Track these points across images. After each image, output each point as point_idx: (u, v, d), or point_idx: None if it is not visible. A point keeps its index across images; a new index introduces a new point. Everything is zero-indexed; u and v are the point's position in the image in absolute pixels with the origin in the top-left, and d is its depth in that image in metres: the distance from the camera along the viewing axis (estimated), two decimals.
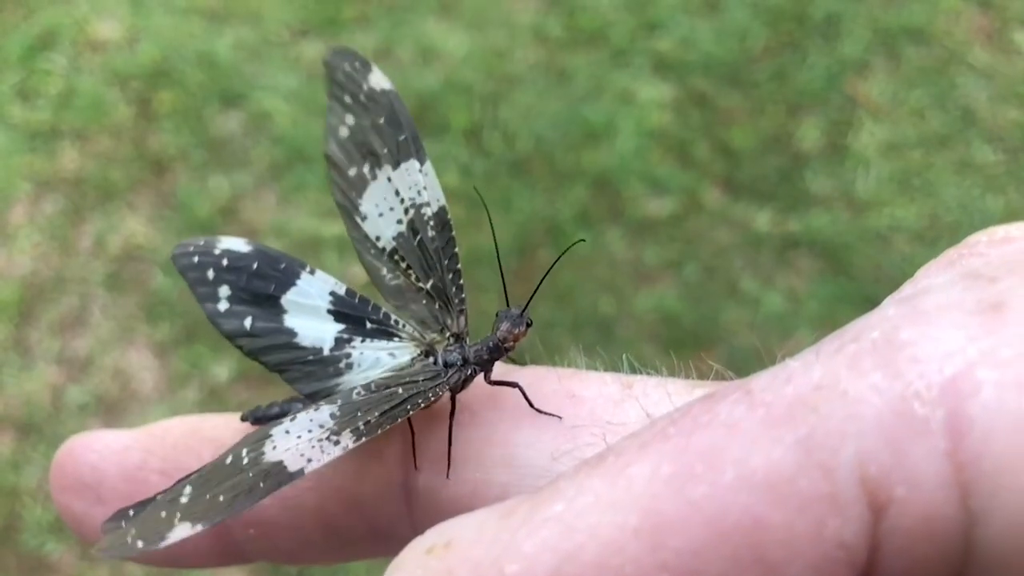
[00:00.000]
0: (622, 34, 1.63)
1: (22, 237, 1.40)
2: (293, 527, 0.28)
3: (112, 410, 1.26)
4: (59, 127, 1.51)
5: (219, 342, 1.32)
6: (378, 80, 0.33)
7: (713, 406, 0.15)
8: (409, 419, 0.28)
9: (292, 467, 0.27)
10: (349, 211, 0.33)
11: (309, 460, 0.27)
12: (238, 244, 0.32)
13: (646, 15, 1.65)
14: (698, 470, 0.15)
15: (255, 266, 0.32)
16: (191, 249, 0.32)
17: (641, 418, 0.23)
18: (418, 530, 0.17)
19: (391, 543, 0.18)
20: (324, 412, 0.28)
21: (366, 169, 0.32)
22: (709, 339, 1.31)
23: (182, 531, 0.26)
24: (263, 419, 0.30)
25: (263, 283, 0.32)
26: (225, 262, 0.32)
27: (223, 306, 0.32)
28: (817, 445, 0.14)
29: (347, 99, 0.33)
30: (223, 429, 0.30)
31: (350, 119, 0.33)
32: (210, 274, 0.32)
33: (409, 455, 0.28)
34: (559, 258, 0.35)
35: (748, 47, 1.62)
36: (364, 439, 0.27)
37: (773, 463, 0.14)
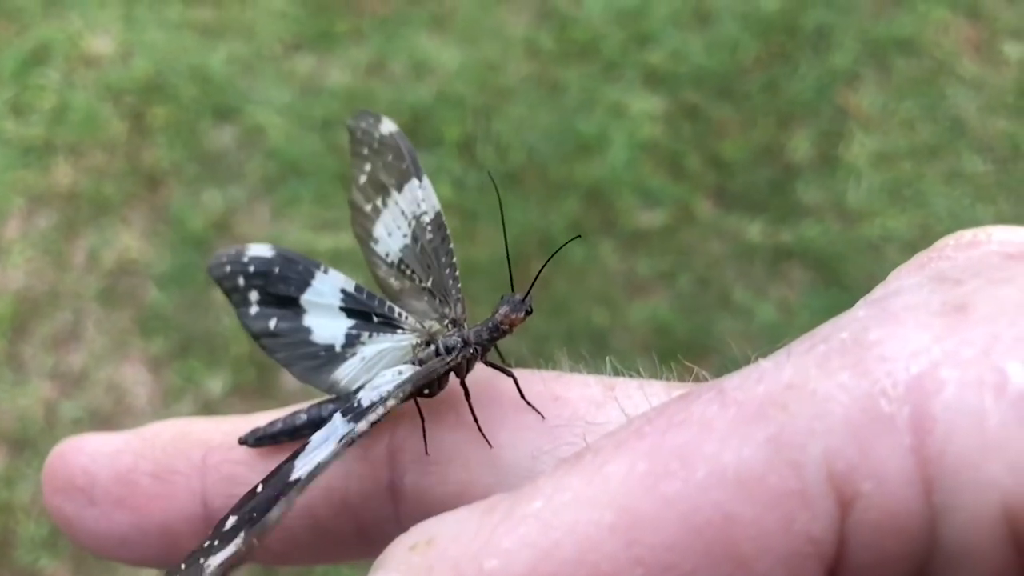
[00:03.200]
0: (613, 47, 1.63)
1: (15, 252, 1.40)
2: (282, 528, 0.28)
3: (106, 425, 1.26)
4: (53, 142, 1.51)
5: (213, 356, 1.33)
6: (387, 126, 0.35)
7: (687, 405, 0.16)
8: (419, 409, 0.29)
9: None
10: (364, 239, 0.35)
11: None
12: (263, 250, 0.34)
13: (637, 28, 1.66)
14: (672, 467, 0.15)
15: (277, 270, 0.34)
16: (223, 260, 0.34)
17: (622, 419, 0.24)
18: (404, 530, 0.18)
19: (379, 544, 0.18)
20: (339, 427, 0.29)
21: (378, 201, 0.35)
22: (702, 350, 1.31)
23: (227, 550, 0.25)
24: (265, 439, 0.30)
25: (284, 286, 0.34)
26: (252, 268, 0.34)
27: (254, 310, 0.34)
28: (786, 442, 0.15)
29: (365, 151, 0.36)
30: (213, 432, 0.30)
31: (367, 167, 0.35)
32: (240, 281, 0.34)
33: (395, 455, 0.28)
34: (561, 247, 0.36)
35: (739, 59, 1.63)
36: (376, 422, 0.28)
37: (744, 460, 0.15)
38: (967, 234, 0.18)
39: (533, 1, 1.69)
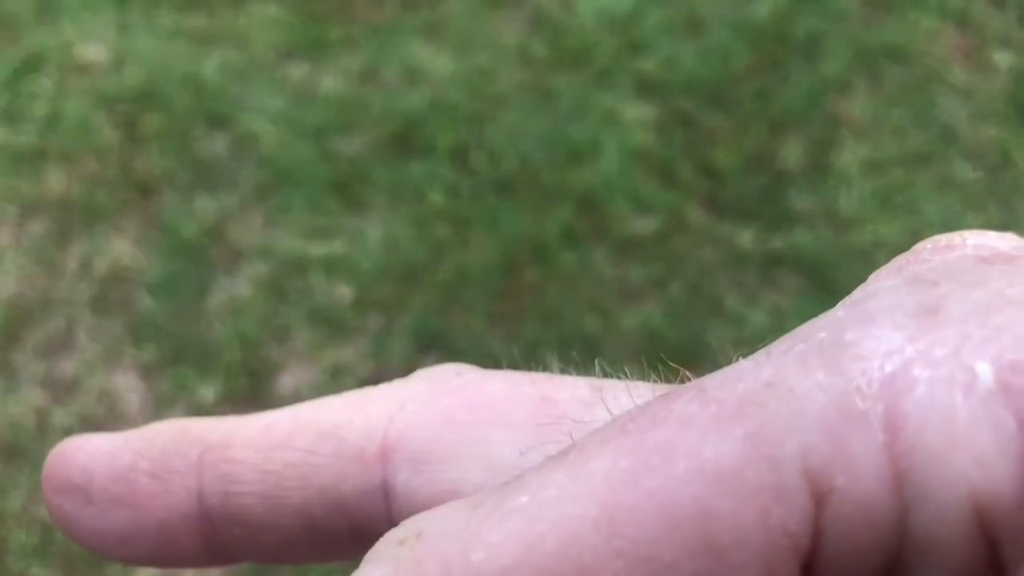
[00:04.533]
0: (606, 55, 1.64)
1: (8, 260, 1.40)
2: (277, 527, 0.28)
3: (98, 432, 1.26)
4: (45, 150, 1.51)
5: (205, 363, 1.32)
6: None
7: (669, 403, 0.16)
8: None
9: None
10: None
11: None
12: None
13: (630, 36, 1.67)
14: (653, 463, 0.15)
15: None
16: None
17: (608, 419, 0.24)
18: None
19: (372, 543, 0.18)
20: None
21: None
22: (694, 356, 1.32)
23: None
24: None
25: None
26: None
27: None
28: (764, 439, 0.15)
29: None
30: (211, 431, 0.30)
31: None
32: None
33: (388, 454, 0.28)
34: None
35: (731, 67, 1.63)
36: None
37: (723, 456, 0.15)
38: (943, 238, 0.18)
39: (526, 9, 1.70)
